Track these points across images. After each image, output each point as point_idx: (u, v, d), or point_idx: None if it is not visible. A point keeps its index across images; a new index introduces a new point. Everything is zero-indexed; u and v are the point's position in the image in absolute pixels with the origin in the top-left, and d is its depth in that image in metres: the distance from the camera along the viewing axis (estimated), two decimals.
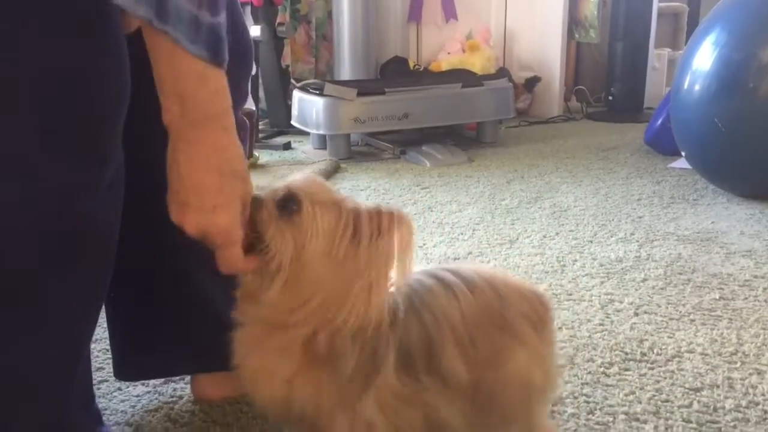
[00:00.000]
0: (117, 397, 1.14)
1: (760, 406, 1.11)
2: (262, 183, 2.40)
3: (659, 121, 2.79)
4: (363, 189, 2.44)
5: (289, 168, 2.67)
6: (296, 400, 0.78)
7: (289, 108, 3.18)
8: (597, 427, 1.06)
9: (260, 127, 3.19)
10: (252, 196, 0.76)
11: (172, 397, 1.14)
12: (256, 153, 2.78)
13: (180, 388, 1.17)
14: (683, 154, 2.38)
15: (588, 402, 1.12)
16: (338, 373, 0.77)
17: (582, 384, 1.18)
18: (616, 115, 3.70)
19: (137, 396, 1.15)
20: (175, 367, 1.11)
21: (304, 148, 3.08)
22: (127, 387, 1.17)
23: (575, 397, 1.13)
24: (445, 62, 3.72)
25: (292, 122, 3.08)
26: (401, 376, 0.79)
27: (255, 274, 0.77)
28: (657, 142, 2.82)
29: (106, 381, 1.18)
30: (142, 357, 1.07)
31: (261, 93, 3.32)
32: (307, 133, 3.10)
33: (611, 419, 1.08)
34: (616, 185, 2.43)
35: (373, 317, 0.75)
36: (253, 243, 0.76)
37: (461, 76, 3.14)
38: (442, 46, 3.86)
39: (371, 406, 0.78)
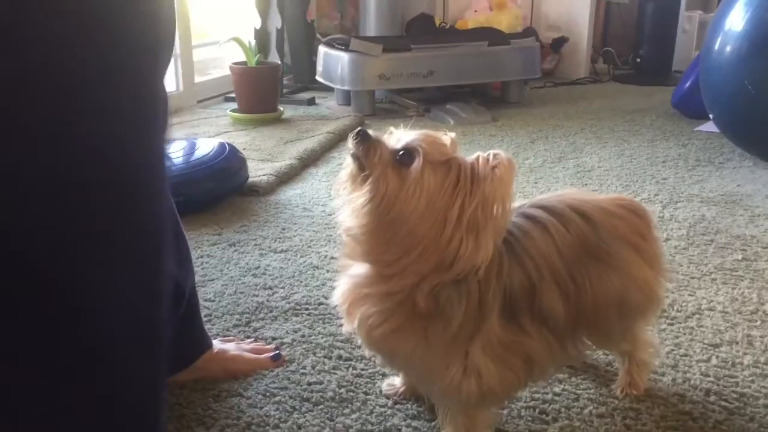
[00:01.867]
0: None
1: None
2: (286, 137, 2.40)
3: (687, 84, 2.75)
4: None
5: (314, 123, 2.68)
6: (403, 347, 0.82)
7: (313, 64, 3.17)
8: (616, 377, 1.07)
9: (284, 82, 3.19)
10: (364, 131, 0.80)
11: None
12: (280, 107, 2.78)
13: None
14: (711, 116, 2.36)
15: (607, 354, 1.14)
16: (446, 324, 0.79)
17: None
18: (644, 78, 3.65)
19: None
20: None
21: (328, 103, 3.08)
22: None
23: (594, 349, 1.15)
24: (471, 20, 3.68)
25: (317, 77, 3.07)
26: (504, 322, 0.82)
27: (354, 211, 0.80)
28: (684, 104, 2.79)
29: None
30: None
31: (286, 48, 3.31)
32: (331, 90, 3.10)
33: None
34: (641, 147, 2.41)
35: (480, 264, 0.76)
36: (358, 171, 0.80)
37: (488, 34, 3.11)
38: (469, 4, 3.82)
39: (479, 351, 0.81)
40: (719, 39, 2.18)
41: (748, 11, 2.10)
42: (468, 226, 0.76)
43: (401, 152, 0.78)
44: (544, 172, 2.13)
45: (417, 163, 0.77)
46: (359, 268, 0.83)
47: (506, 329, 0.82)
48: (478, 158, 0.78)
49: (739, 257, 1.52)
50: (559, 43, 3.74)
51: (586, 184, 2.01)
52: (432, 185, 0.76)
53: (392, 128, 0.83)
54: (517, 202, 0.88)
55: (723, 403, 1.02)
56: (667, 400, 1.02)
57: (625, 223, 0.90)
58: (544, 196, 0.91)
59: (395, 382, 1.04)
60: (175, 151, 1.87)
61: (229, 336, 1.19)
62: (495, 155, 0.77)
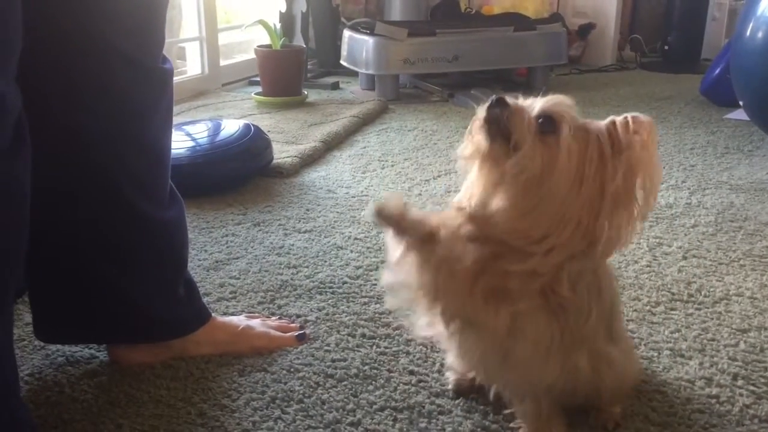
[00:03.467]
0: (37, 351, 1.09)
1: None
2: (310, 120, 2.40)
3: (717, 71, 2.71)
4: (410, 129, 2.43)
5: (337, 107, 2.67)
6: (531, 335, 0.76)
7: (338, 48, 3.16)
8: (642, 360, 1.06)
9: (308, 66, 3.19)
10: (502, 97, 0.75)
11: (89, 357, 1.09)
12: (304, 91, 2.78)
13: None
14: (741, 104, 2.32)
15: (633, 337, 1.13)
16: (584, 317, 0.76)
17: (627, 321, 1.18)
18: (672, 66, 3.60)
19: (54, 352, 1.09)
20: (91, 337, 1.06)
21: (352, 88, 3.08)
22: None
23: None
24: (497, 6, 3.65)
25: (341, 62, 3.07)
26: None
27: (489, 187, 0.75)
28: (713, 92, 2.75)
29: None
30: (60, 325, 1.02)
31: (311, 32, 3.30)
32: (355, 74, 3.09)
33: (656, 354, 1.08)
34: (669, 134, 2.38)
35: (625, 245, 0.73)
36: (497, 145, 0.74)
37: (514, 20, 3.08)
38: None
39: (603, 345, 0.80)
40: (751, 25, 2.14)
41: None
42: (614, 200, 0.71)
43: (542, 119, 0.73)
44: None
45: (566, 131, 0.71)
46: (480, 243, 0.76)
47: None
48: (614, 123, 0.73)
49: None
50: (586, 29, 3.70)
51: None
52: (580, 155, 0.71)
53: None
54: None
55: (751, 388, 1.00)
56: (693, 383, 1.01)
57: None
58: None
59: (462, 374, 0.97)
60: (201, 132, 1.88)
61: (254, 312, 1.19)
62: (634, 119, 0.72)
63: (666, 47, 3.71)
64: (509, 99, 0.75)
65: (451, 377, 0.98)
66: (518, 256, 0.74)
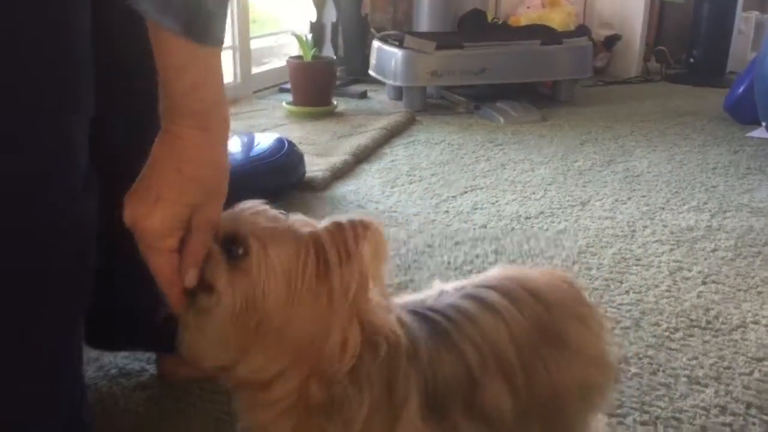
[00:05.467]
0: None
1: None
2: (340, 131, 2.47)
3: (741, 89, 2.74)
4: (437, 143, 2.49)
5: (366, 118, 2.74)
6: None
7: (366, 57, 3.22)
8: (659, 387, 1.12)
9: (337, 73, 3.25)
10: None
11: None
12: (333, 101, 2.85)
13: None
14: (764, 124, 2.35)
15: (651, 363, 1.18)
16: (347, 422, 0.66)
17: (646, 346, 1.24)
18: (697, 79, 3.62)
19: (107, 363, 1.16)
20: (139, 345, 1.11)
21: (380, 97, 3.14)
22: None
23: (639, 358, 1.20)
24: (524, 17, 3.69)
25: (370, 71, 3.13)
26: (430, 422, 0.69)
27: (191, 331, 0.67)
28: (737, 110, 2.77)
29: None
30: (110, 332, 1.06)
31: (340, 41, 3.37)
32: (382, 83, 3.15)
33: (673, 381, 1.14)
34: (692, 152, 2.42)
35: (373, 349, 0.66)
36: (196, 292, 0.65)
37: (540, 33, 3.13)
38: (522, 0, 3.83)
39: None
40: None
41: None
42: (349, 311, 0.64)
43: (225, 244, 0.64)
44: (593, 176, 2.16)
45: (257, 251, 0.63)
46: (233, 384, 0.70)
47: (434, 429, 0.69)
48: (341, 228, 0.64)
49: None
50: (612, 41, 3.73)
51: (634, 190, 2.04)
52: (284, 264, 0.62)
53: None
54: (456, 282, 0.79)
55: (763, 417, 1.06)
56: (708, 411, 1.07)
57: (569, 297, 0.81)
58: (488, 275, 0.81)
59: None
60: (235, 146, 1.95)
61: None
62: (362, 224, 0.64)
63: (691, 60, 3.74)
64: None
65: None
66: (261, 388, 0.67)
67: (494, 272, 0.82)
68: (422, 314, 0.73)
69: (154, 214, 0.62)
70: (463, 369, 0.71)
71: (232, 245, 0.63)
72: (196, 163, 0.63)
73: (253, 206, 0.66)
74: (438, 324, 0.72)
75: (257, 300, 0.62)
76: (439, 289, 0.78)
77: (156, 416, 1.04)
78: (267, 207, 0.67)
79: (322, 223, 0.65)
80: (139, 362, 1.17)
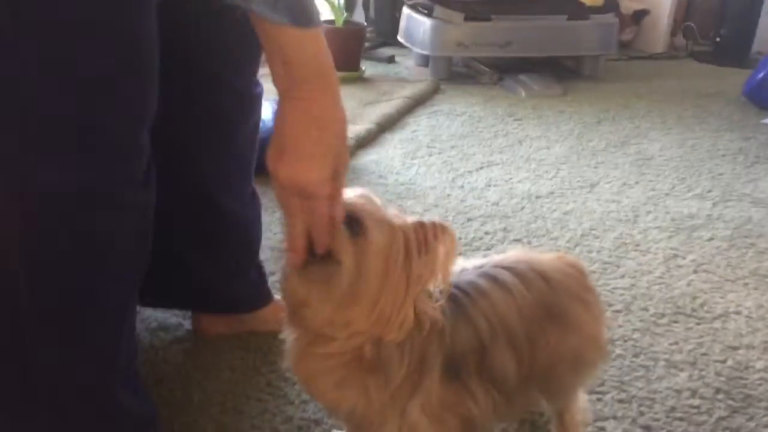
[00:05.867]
0: None
1: None
2: (366, 98, 2.56)
3: (762, 74, 2.79)
4: (459, 114, 2.59)
5: (392, 85, 2.83)
6: (345, 402, 0.84)
7: (396, 21, 3.30)
8: (639, 368, 1.25)
9: (367, 35, 3.33)
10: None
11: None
12: (362, 66, 2.94)
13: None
14: None
15: (635, 346, 1.31)
16: (387, 380, 0.81)
17: (633, 330, 1.36)
18: (722, 58, 3.65)
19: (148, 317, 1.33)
20: (179, 305, 1.28)
21: (407, 63, 3.22)
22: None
23: (624, 341, 1.32)
24: None
25: (398, 37, 3.20)
26: (446, 382, 0.83)
27: (306, 285, 0.79)
28: (756, 95, 2.83)
29: None
30: (155, 295, 1.18)
31: (371, 3, 3.44)
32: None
33: (652, 364, 1.27)
34: (705, 137, 2.50)
35: (419, 326, 0.79)
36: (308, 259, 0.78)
37: (567, 7, 3.17)
38: None
39: (417, 410, 0.83)
40: None
41: None
42: (416, 292, 0.78)
43: (348, 222, 0.77)
44: (605, 157, 2.26)
45: (373, 232, 0.76)
46: (305, 331, 0.84)
47: (448, 389, 0.83)
48: (423, 225, 0.79)
49: None
50: (640, 15, 3.76)
51: (643, 174, 2.13)
52: (385, 247, 0.77)
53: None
54: (477, 261, 0.92)
55: (729, 402, 1.18)
56: (680, 393, 1.20)
57: (575, 281, 0.94)
58: (505, 257, 0.94)
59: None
60: (267, 113, 2.06)
61: None
62: (441, 227, 0.78)
63: (718, 39, 3.75)
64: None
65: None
66: (323, 339, 0.81)
67: (511, 254, 0.95)
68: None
69: (311, 168, 0.74)
70: (475, 338, 0.84)
71: (352, 224, 0.76)
72: (329, 119, 0.75)
73: (363, 194, 0.80)
74: (458, 299, 0.84)
75: (364, 273, 0.76)
76: (461, 267, 0.90)
77: (191, 367, 1.19)
78: (373, 196, 0.81)
79: (409, 219, 0.80)
80: (176, 317, 1.32)
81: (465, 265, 0.91)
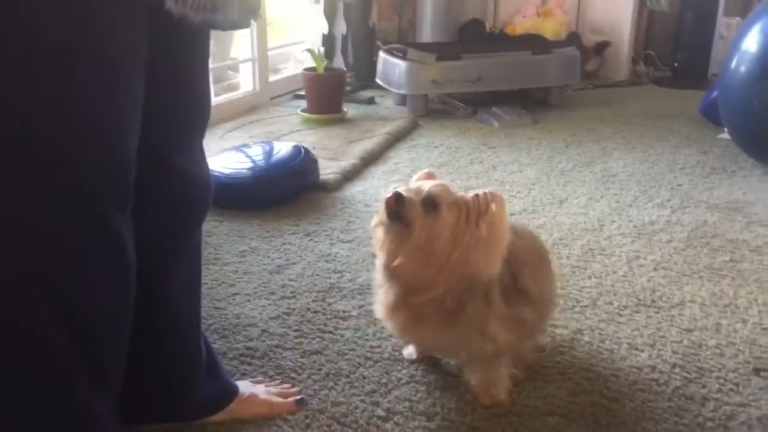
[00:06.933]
0: None
1: (736, 346, 1.43)
2: (350, 136, 2.76)
3: (714, 93, 3.00)
4: (437, 146, 2.78)
5: (373, 123, 3.02)
6: (438, 337, 1.19)
7: (374, 64, 3.51)
8: (605, 351, 1.41)
9: (347, 79, 3.54)
10: (398, 193, 1.09)
11: None
12: (344, 108, 3.14)
13: None
14: (725, 130, 2.62)
15: (601, 334, 1.47)
16: (463, 313, 1.14)
17: (599, 321, 1.52)
18: (681, 81, 3.89)
19: None
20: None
21: (386, 103, 3.43)
22: None
23: (592, 330, 1.48)
24: (519, 26, 3.96)
25: (377, 79, 3.42)
26: (503, 302, 1.17)
27: (387, 235, 1.13)
28: (711, 112, 3.02)
29: None
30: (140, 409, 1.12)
31: (350, 49, 3.66)
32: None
33: (617, 347, 1.43)
34: (665, 153, 2.70)
35: (494, 272, 1.12)
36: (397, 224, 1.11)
37: (532, 43, 3.41)
38: (518, 10, 4.10)
39: (494, 325, 1.17)
40: (736, 59, 2.44)
41: (763, 36, 2.35)
42: (480, 247, 1.09)
43: (426, 201, 1.09)
44: (573, 176, 2.45)
45: (444, 210, 1.09)
46: (396, 285, 1.16)
47: (505, 307, 1.18)
48: (477, 196, 1.10)
49: (727, 258, 1.82)
50: (602, 47, 4.00)
51: (608, 189, 2.32)
52: (452, 222, 1.09)
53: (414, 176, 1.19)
54: None
55: (684, 374, 1.34)
56: (641, 369, 1.35)
57: (538, 239, 1.38)
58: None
59: (412, 351, 1.37)
60: (258, 154, 2.25)
61: (258, 378, 1.32)
62: (491, 194, 1.09)
63: (676, 64, 4.00)
64: (402, 192, 1.09)
65: (405, 352, 1.39)
66: (417, 292, 1.14)
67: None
68: None
69: None
70: (510, 271, 1.18)
71: (428, 204, 1.09)
72: None
73: (441, 183, 1.13)
74: None
75: (434, 240, 1.08)
76: None
77: None
78: (446, 183, 1.14)
79: (469, 194, 1.12)
80: None
81: None
